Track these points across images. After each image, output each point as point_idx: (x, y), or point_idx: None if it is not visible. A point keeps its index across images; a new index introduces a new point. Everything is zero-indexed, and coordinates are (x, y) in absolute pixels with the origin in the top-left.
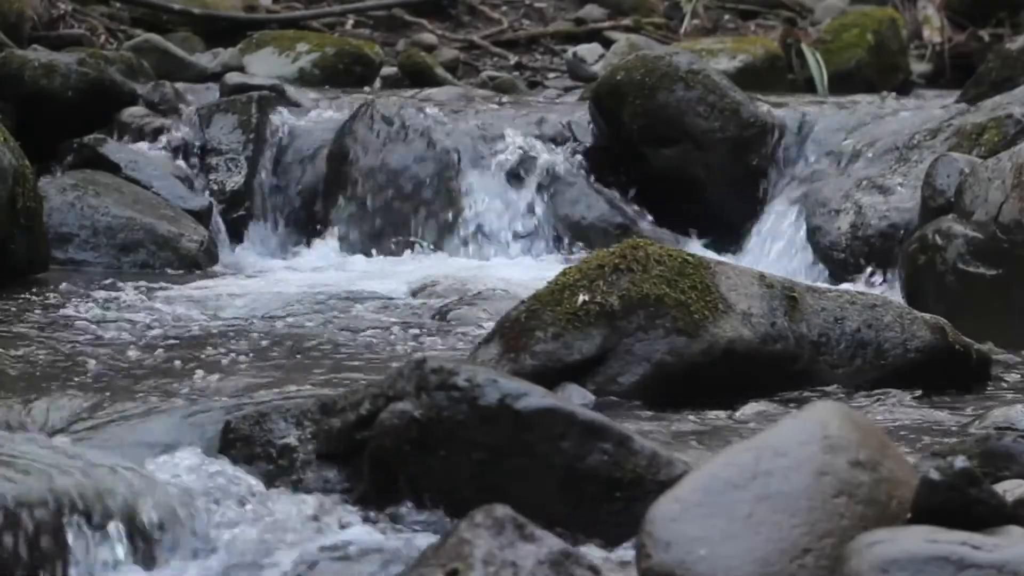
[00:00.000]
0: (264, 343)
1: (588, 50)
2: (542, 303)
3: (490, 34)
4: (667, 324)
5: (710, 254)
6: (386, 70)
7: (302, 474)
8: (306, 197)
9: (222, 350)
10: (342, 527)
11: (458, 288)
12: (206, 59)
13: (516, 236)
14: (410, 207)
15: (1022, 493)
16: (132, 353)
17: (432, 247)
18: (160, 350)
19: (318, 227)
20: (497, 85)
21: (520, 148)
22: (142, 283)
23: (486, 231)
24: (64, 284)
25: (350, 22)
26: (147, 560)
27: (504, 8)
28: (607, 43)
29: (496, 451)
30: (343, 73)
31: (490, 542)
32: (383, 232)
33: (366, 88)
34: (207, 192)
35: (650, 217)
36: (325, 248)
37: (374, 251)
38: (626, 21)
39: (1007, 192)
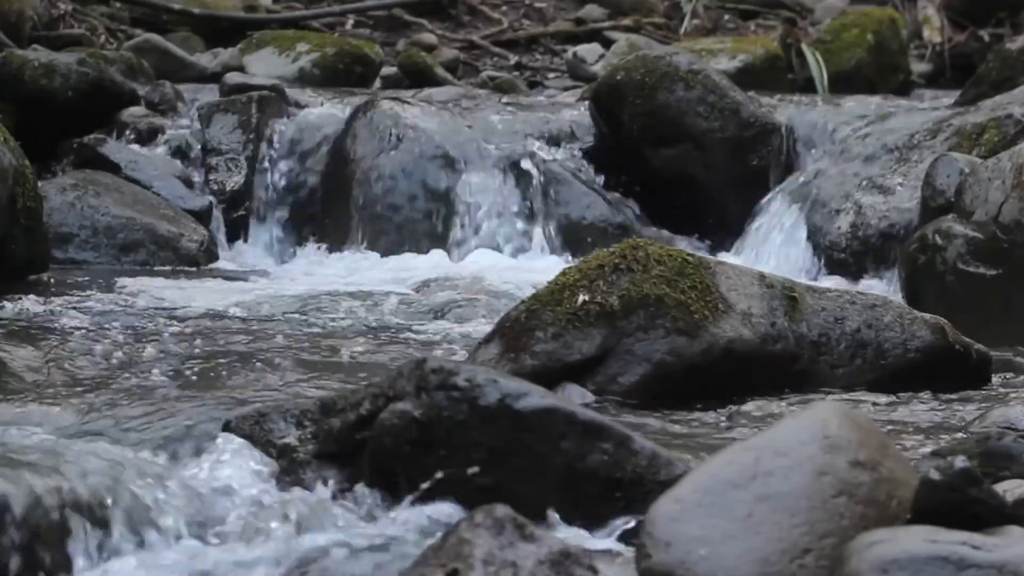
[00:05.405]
0: (264, 342)
1: (588, 50)
2: (542, 303)
3: (490, 34)
4: (667, 324)
5: (710, 254)
6: (386, 70)
7: (302, 474)
8: (306, 197)
9: (222, 349)
10: (342, 527)
11: (458, 288)
12: (206, 59)
13: (516, 236)
14: (410, 207)
15: (1022, 493)
16: (132, 353)
17: (432, 247)
18: (159, 350)
19: (318, 227)
20: (497, 85)
21: (520, 148)
22: (142, 283)
23: (486, 231)
24: (64, 284)
25: (350, 22)
26: (146, 558)
27: (504, 8)
28: (607, 43)
29: (496, 451)
30: (343, 73)
31: (490, 542)
32: (383, 232)
33: (366, 88)
34: (207, 192)
35: (650, 217)
36: (324, 248)
37: (374, 251)
38: (626, 21)
39: (1007, 192)
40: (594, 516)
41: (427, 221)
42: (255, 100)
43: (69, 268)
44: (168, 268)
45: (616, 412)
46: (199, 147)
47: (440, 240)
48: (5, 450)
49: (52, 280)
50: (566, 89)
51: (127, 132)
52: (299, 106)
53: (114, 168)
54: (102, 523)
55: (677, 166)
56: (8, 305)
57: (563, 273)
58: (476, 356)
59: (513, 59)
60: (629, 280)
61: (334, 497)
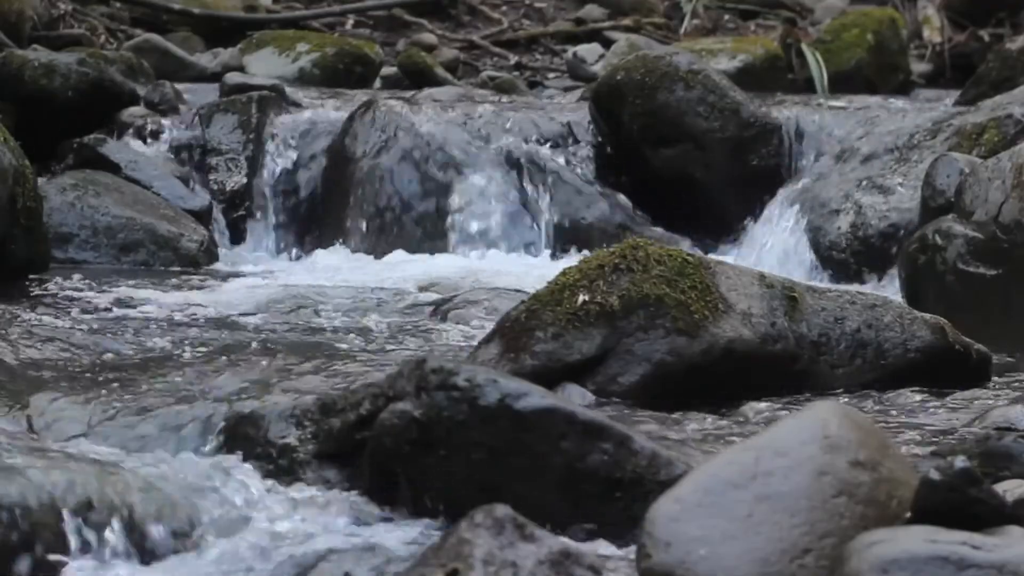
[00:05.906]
0: (264, 342)
1: (588, 50)
2: (542, 303)
3: (490, 34)
4: (667, 324)
5: (710, 254)
6: (386, 70)
7: (302, 474)
8: (306, 197)
9: (222, 350)
10: (342, 527)
11: (458, 288)
12: (206, 59)
13: (516, 236)
14: (409, 207)
15: (1022, 493)
16: (132, 353)
17: (431, 247)
18: (160, 350)
19: (318, 227)
20: (497, 85)
21: (520, 148)
22: (142, 283)
23: (486, 231)
24: (64, 284)
25: (350, 22)
26: (146, 559)
27: (504, 8)
28: (607, 43)
29: (496, 451)
30: (343, 73)
31: (490, 542)
32: (383, 231)
33: (366, 88)
34: (207, 192)
35: (650, 217)
36: (325, 248)
37: (374, 250)
38: (626, 21)
39: (1007, 192)
40: (594, 516)
41: (427, 221)
42: (255, 100)
43: (69, 268)
44: (168, 268)
45: (616, 412)
46: (199, 147)
47: (440, 240)
48: (2, 451)
49: (52, 280)
50: (566, 89)
51: (127, 132)
52: (299, 106)
53: (114, 168)
54: (99, 525)
55: (677, 166)
56: (8, 305)
57: (563, 273)
58: (476, 356)
59: (513, 59)
60: (629, 280)
61: (334, 497)
